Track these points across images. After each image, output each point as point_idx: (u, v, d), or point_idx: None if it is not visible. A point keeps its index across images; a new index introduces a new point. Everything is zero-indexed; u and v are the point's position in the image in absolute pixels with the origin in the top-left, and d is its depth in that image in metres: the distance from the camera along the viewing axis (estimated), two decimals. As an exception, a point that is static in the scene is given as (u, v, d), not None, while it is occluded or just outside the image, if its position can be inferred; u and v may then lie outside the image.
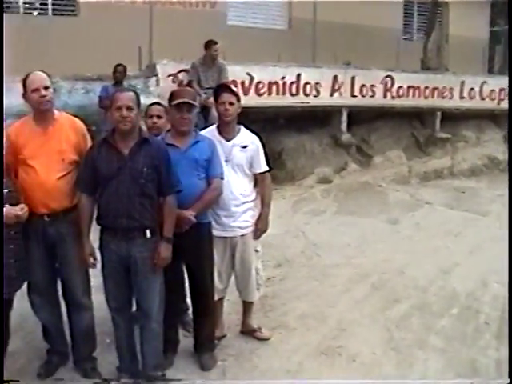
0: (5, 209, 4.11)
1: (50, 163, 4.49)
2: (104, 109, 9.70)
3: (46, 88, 4.46)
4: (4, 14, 13.17)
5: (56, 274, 4.77)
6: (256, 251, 5.35)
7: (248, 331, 5.62)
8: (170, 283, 4.71)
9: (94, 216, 4.58)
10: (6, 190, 4.19)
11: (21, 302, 4.73)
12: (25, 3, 14.02)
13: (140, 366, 4.83)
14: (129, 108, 4.36)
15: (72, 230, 4.58)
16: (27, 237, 4.45)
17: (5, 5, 13.31)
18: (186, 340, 5.35)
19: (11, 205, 4.16)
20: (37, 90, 4.43)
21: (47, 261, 4.66)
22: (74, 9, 13.91)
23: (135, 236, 4.45)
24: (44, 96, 4.43)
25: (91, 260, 4.57)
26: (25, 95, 4.52)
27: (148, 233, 4.47)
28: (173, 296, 4.87)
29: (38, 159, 4.48)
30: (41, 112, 4.52)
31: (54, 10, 13.98)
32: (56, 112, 4.65)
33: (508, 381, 4.45)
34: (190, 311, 5.32)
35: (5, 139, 4.48)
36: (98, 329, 4.97)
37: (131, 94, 4.48)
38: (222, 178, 4.92)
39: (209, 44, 10.57)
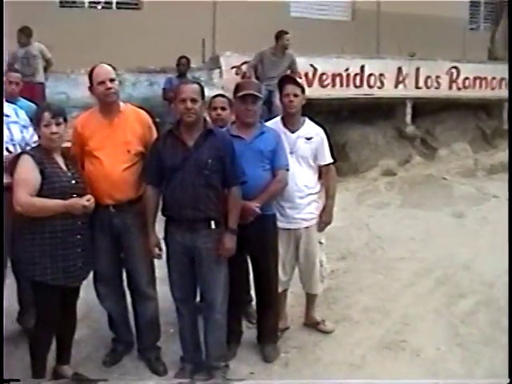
0: (72, 200, 4.17)
1: (115, 154, 4.54)
2: (168, 101, 9.78)
3: (112, 80, 4.51)
4: (69, 9, 13.46)
5: (121, 265, 4.84)
6: (320, 243, 5.32)
7: (311, 323, 5.61)
8: (234, 274, 4.73)
9: (159, 207, 4.63)
10: (72, 181, 4.27)
11: (87, 291, 4.82)
12: (90, -2, 14.27)
13: (203, 357, 4.86)
14: (193, 100, 4.38)
15: (137, 220, 4.64)
16: (93, 227, 4.52)
17: (65, 0, 13.56)
18: (249, 331, 5.37)
19: (78, 196, 4.22)
20: (102, 82, 4.48)
21: (113, 251, 4.73)
22: (138, 2, 14.05)
23: (200, 227, 4.47)
24: (109, 88, 4.48)
25: (156, 251, 4.61)
26: (91, 88, 4.58)
27: (213, 224, 4.49)
28: (237, 287, 4.88)
29: (103, 150, 4.54)
30: (106, 104, 4.58)
31: (117, 3, 14.15)
32: (122, 104, 4.70)
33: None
34: (254, 303, 5.33)
35: (71, 130, 4.56)
36: (162, 319, 5.03)
37: (195, 86, 4.50)
38: (288, 170, 4.90)
39: (280, 34, 10.53)
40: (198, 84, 4.57)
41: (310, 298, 5.57)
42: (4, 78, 4.97)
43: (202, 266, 4.55)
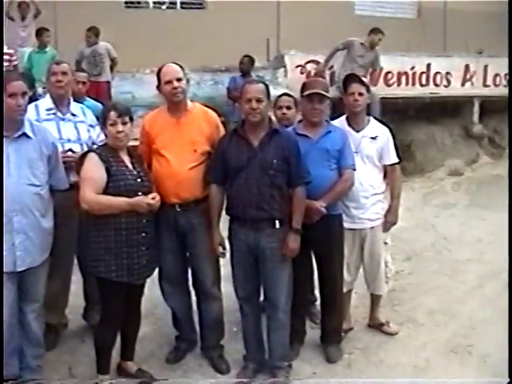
0: (137, 198, 4.20)
1: (182, 153, 4.55)
2: (232, 100, 9.82)
3: (179, 80, 4.52)
4: (134, 9, 13.65)
5: (187, 263, 4.86)
6: (385, 243, 5.26)
7: (375, 325, 5.54)
8: (298, 274, 4.70)
9: (224, 206, 4.63)
10: (138, 180, 4.30)
11: (152, 288, 4.86)
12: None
13: (266, 356, 4.85)
14: (258, 100, 4.37)
15: (203, 220, 4.64)
16: (159, 226, 4.54)
17: (134, 0, 13.74)
18: (312, 331, 5.33)
19: (143, 194, 4.25)
20: (169, 82, 4.50)
21: (178, 250, 4.75)
22: (202, 2, 14.15)
23: (264, 226, 4.46)
24: (176, 88, 4.50)
25: (220, 249, 4.62)
26: (158, 87, 4.61)
27: (277, 223, 4.47)
28: (301, 287, 4.85)
29: (170, 149, 4.56)
30: (174, 103, 4.60)
31: (182, 3, 14.28)
32: (189, 103, 4.71)
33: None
34: (318, 303, 5.30)
35: (137, 129, 4.60)
36: (226, 317, 5.03)
37: (261, 85, 4.49)
38: (354, 170, 4.84)
39: (375, 30, 10.71)
40: (264, 83, 4.56)
41: (375, 299, 5.50)
42: (71, 78, 5.02)
43: (266, 265, 4.53)
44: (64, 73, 4.94)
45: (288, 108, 5.30)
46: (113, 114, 4.24)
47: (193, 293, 5.01)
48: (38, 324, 4.52)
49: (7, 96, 4.04)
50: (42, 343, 4.59)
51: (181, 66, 4.61)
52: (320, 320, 5.24)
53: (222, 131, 4.79)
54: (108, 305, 4.40)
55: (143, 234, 4.30)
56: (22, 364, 4.50)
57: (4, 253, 4.17)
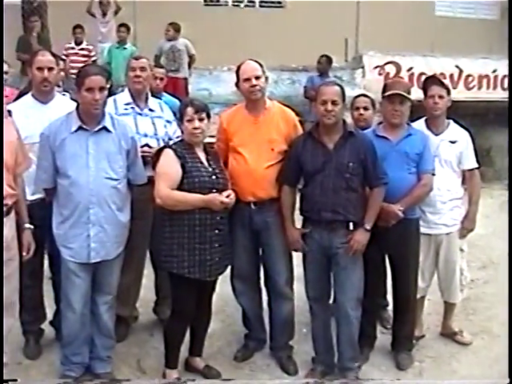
0: (211, 195, 4.20)
1: (259, 152, 4.55)
2: (309, 99, 9.77)
3: (258, 78, 4.51)
4: (213, 7, 13.74)
5: (259, 262, 4.84)
6: (461, 250, 5.13)
7: (448, 334, 5.40)
8: (370, 277, 4.64)
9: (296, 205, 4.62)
10: (213, 177, 4.29)
11: (222, 285, 4.85)
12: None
13: (335, 359, 4.79)
14: (334, 102, 4.33)
15: (277, 218, 4.63)
16: (233, 223, 4.54)
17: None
18: (383, 336, 5.24)
19: (217, 191, 4.25)
20: (248, 79, 4.50)
21: (252, 248, 4.74)
22: (281, 1, 14.13)
23: (338, 227, 4.42)
24: (255, 86, 4.49)
25: (301, 242, 4.58)
26: (237, 84, 4.61)
27: (351, 225, 4.43)
28: (373, 290, 4.78)
29: (247, 147, 4.56)
30: (252, 101, 4.59)
31: (261, 2, 14.30)
32: (268, 101, 4.70)
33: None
34: (390, 308, 5.23)
35: (214, 126, 4.60)
36: (296, 318, 4.98)
37: (337, 88, 4.45)
38: (434, 174, 4.74)
39: None
40: (339, 86, 4.51)
41: (448, 307, 5.36)
42: (149, 73, 5.07)
43: (338, 265, 4.49)
44: (143, 68, 4.99)
45: (365, 109, 5.25)
46: (190, 109, 4.25)
47: (264, 292, 4.99)
48: (110, 316, 4.59)
49: (84, 90, 4.11)
50: (112, 335, 4.66)
51: (260, 64, 4.59)
52: (391, 325, 5.15)
53: (300, 131, 4.77)
54: (179, 300, 4.41)
55: (216, 231, 4.30)
56: (92, 354, 4.60)
57: (78, 244, 4.27)
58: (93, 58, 10.84)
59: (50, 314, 5.08)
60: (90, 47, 11.02)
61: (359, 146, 4.41)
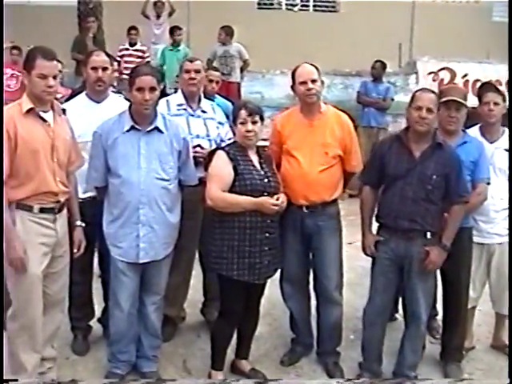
0: (262, 198, 4.18)
1: (313, 155, 4.52)
2: (362, 104, 9.71)
3: (314, 81, 4.50)
4: (266, 10, 13.75)
5: (309, 266, 4.81)
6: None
7: (499, 346, 5.27)
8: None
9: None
10: (265, 180, 4.28)
11: (270, 288, 4.81)
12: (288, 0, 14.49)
13: (382, 367, 4.76)
14: (429, 110, 4.29)
15: (330, 223, 4.62)
16: (284, 226, 4.52)
17: (267, 1, 13.84)
18: (431, 346, 5.16)
19: (269, 194, 4.23)
20: (304, 82, 4.48)
21: (302, 251, 4.72)
22: (335, 5, 14.09)
23: (415, 236, 4.38)
24: (311, 89, 4.47)
25: (372, 249, 4.55)
26: (293, 87, 4.60)
27: (429, 235, 4.39)
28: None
29: (301, 151, 4.54)
30: (307, 104, 4.58)
31: (314, 6, 14.27)
32: (323, 105, 4.68)
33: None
34: (439, 317, 5.15)
35: (267, 129, 4.59)
36: (343, 324, 4.93)
37: (433, 95, 4.41)
38: (489, 183, 4.66)
39: None
40: (434, 93, 4.47)
41: (500, 319, 5.24)
42: (203, 75, 5.09)
43: (411, 274, 4.44)
44: (197, 71, 5.00)
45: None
46: (243, 112, 4.25)
47: (313, 296, 4.95)
48: (157, 316, 4.61)
49: (135, 89, 4.14)
50: (159, 334, 4.67)
51: (316, 68, 4.58)
52: (440, 335, 5.07)
53: (355, 136, 4.74)
54: (227, 302, 4.41)
55: (267, 234, 4.28)
56: (138, 352, 4.62)
57: (127, 243, 4.30)
58: (146, 60, 10.95)
59: (98, 312, 5.14)
60: (144, 48, 11.14)
61: (446, 159, 4.35)
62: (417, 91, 4.56)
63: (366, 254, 4.66)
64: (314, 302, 4.97)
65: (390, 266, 4.47)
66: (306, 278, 4.86)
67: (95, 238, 4.62)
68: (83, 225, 4.33)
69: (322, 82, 4.62)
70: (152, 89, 4.14)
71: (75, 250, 4.28)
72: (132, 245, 4.29)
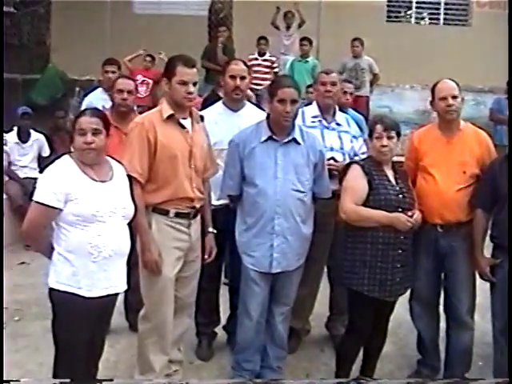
0: (397, 213, 4.11)
1: (450, 174, 4.42)
2: (495, 122, 9.41)
3: (454, 97, 4.41)
4: (395, 23, 13.56)
5: (440, 286, 4.70)
6: None
7: None
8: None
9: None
10: (400, 196, 4.21)
11: (397, 307, 4.65)
12: (417, 13, 14.25)
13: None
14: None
15: (464, 243, 4.49)
16: (418, 244, 4.43)
17: (397, 13, 13.62)
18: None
19: (403, 210, 4.15)
20: (444, 98, 4.40)
21: (434, 271, 4.61)
22: (467, 18, 13.73)
23: None
24: (451, 105, 4.39)
25: (489, 275, 4.42)
26: (432, 102, 4.53)
27: None
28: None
29: (438, 168, 4.45)
30: (446, 121, 4.49)
31: (445, 19, 13.96)
32: (462, 122, 4.58)
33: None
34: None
35: (402, 145, 4.53)
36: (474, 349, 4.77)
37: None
38: None
39: None
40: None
41: None
42: (339, 87, 5.07)
43: None
44: (333, 83, 4.99)
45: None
46: (379, 127, 4.21)
47: (442, 318, 4.82)
48: (284, 327, 4.61)
49: (276, 101, 4.16)
50: (285, 346, 4.68)
51: (457, 84, 4.49)
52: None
53: (494, 154, 4.59)
54: (356, 318, 4.36)
55: (399, 251, 4.20)
56: (263, 362, 4.63)
57: (261, 253, 4.32)
58: (275, 70, 11.03)
59: (223, 319, 5.19)
60: (273, 59, 11.22)
61: None
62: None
63: (482, 278, 4.52)
64: (442, 324, 4.83)
65: (507, 288, 4.29)
66: (437, 298, 4.74)
67: (226, 245, 4.69)
68: (215, 231, 4.39)
69: (463, 99, 4.52)
70: (293, 101, 4.16)
71: (206, 256, 4.36)
72: (265, 254, 4.31)
